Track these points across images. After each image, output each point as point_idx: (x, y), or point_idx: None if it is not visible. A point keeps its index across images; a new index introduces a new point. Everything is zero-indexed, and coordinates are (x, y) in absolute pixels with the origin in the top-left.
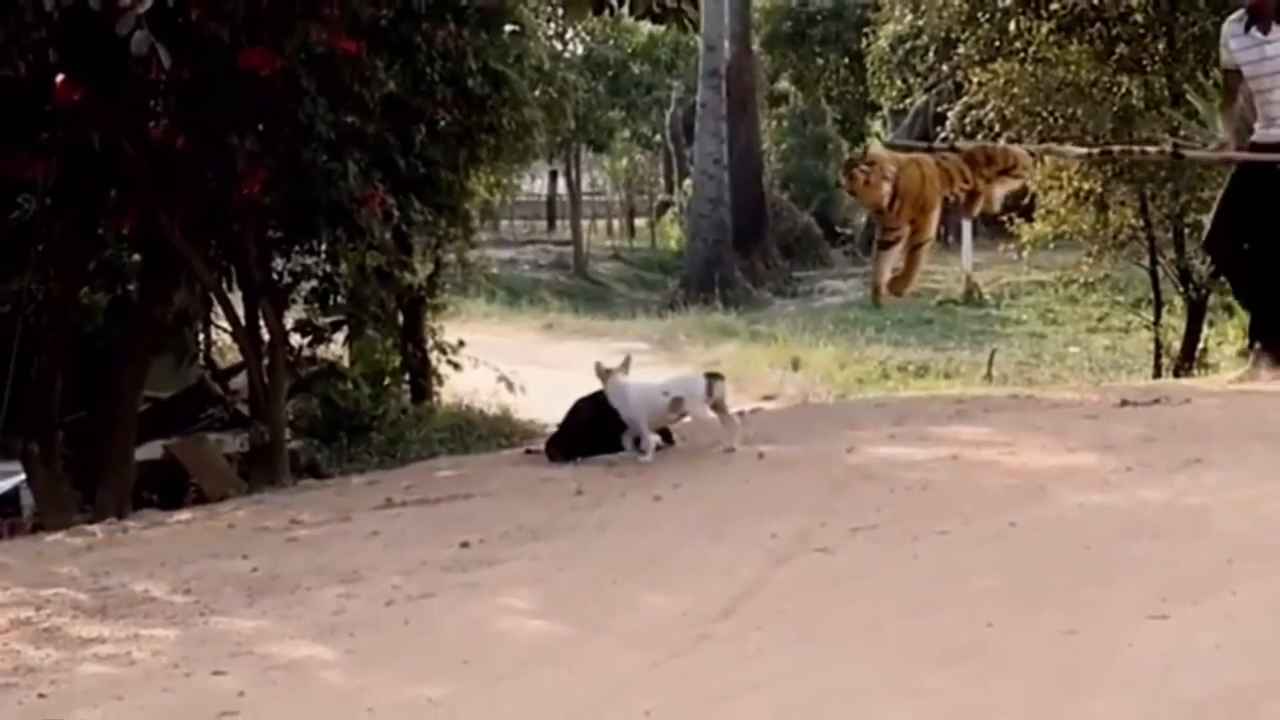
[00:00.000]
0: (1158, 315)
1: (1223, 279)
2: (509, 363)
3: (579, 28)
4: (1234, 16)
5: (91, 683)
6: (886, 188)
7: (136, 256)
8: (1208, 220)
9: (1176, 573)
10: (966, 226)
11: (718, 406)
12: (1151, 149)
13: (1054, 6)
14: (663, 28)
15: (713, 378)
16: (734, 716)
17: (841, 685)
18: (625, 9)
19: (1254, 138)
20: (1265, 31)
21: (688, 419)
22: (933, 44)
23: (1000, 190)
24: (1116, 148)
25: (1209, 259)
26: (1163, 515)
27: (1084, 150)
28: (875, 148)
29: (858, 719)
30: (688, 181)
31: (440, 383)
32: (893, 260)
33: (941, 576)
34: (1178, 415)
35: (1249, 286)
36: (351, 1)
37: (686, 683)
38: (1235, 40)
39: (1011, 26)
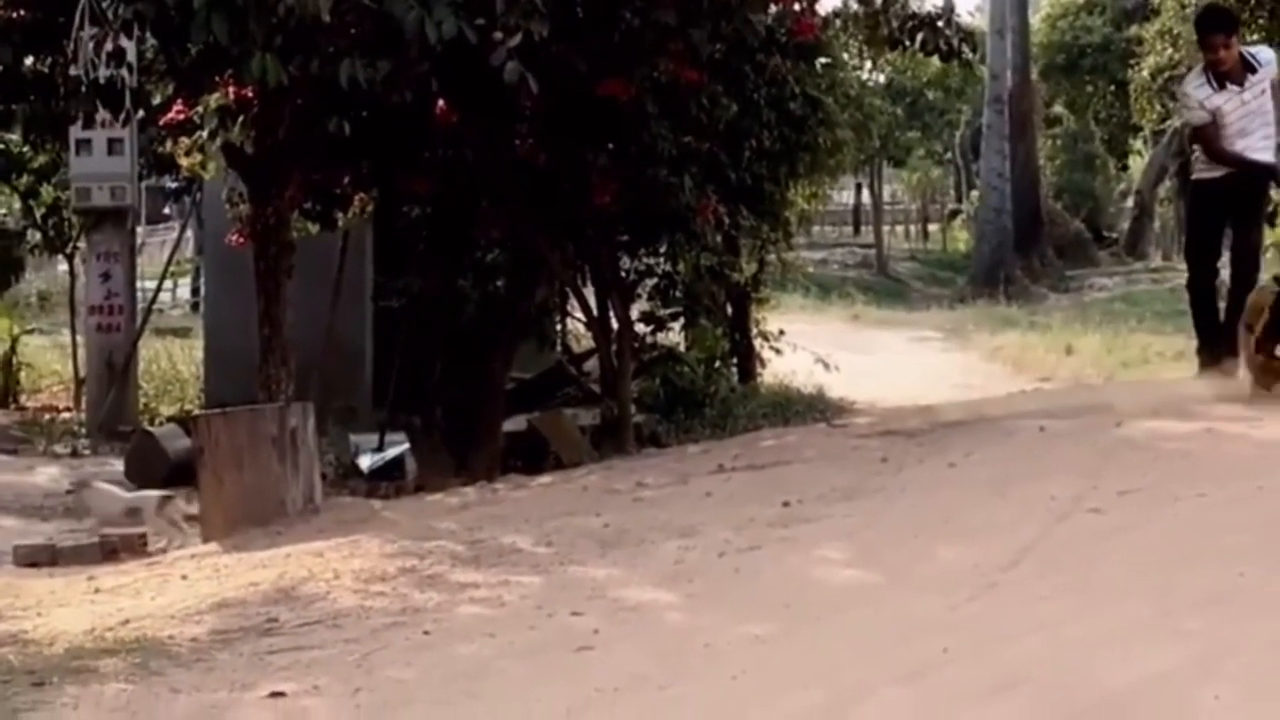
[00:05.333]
0: None
1: None
2: (822, 348)
3: (882, 61)
4: (1195, 80)
5: (468, 622)
6: None
7: (504, 257)
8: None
9: None
10: None
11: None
12: None
13: None
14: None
15: (166, 499)
16: (1020, 654)
17: (1113, 627)
18: (916, 46)
19: (1206, 175)
20: (1241, 84)
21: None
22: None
23: None
24: None
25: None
26: None
27: None
28: None
29: (1128, 655)
30: (974, 192)
31: (763, 365)
32: None
33: (1199, 533)
34: None
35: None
36: (693, 37)
37: (978, 624)
38: (1217, 96)
39: None
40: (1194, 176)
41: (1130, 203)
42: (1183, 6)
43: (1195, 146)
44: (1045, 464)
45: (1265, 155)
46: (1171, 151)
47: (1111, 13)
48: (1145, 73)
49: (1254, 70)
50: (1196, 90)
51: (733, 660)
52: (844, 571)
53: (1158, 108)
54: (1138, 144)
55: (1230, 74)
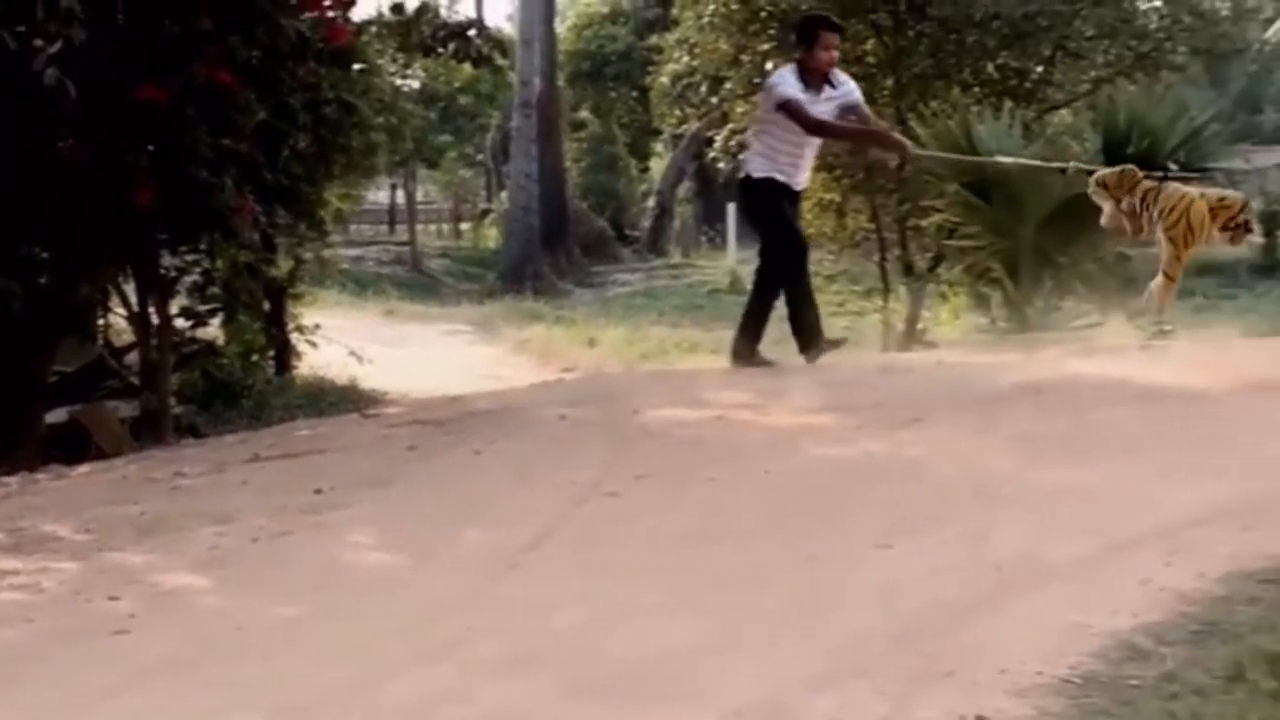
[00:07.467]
0: (886, 301)
1: (938, 270)
2: (357, 342)
3: (415, 67)
4: (788, 75)
5: (7, 608)
6: None
7: (48, 254)
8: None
9: (899, 511)
10: (731, 229)
11: None
12: None
13: None
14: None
15: None
16: (541, 630)
17: (631, 604)
18: (449, 54)
19: (776, 177)
20: (819, 92)
21: None
22: (704, 81)
23: None
24: None
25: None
26: (888, 464)
27: None
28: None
29: (646, 632)
30: (504, 193)
31: (299, 358)
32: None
33: (710, 514)
34: (902, 382)
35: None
36: (229, 42)
37: (501, 604)
38: (803, 94)
39: (769, 66)
40: (754, 175)
41: (651, 203)
42: (699, 18)
43: (757, 143)
44: (566, 450)
45: (807, 170)
46: (690, 154)
47: (634, 23)
48: (665, 79)
49: (833, 86)
50: (796, 81)
51: (266, 641)
52: (373, 555)
53: (676, 112)
54: (658, 147)
55: (817, 78)
